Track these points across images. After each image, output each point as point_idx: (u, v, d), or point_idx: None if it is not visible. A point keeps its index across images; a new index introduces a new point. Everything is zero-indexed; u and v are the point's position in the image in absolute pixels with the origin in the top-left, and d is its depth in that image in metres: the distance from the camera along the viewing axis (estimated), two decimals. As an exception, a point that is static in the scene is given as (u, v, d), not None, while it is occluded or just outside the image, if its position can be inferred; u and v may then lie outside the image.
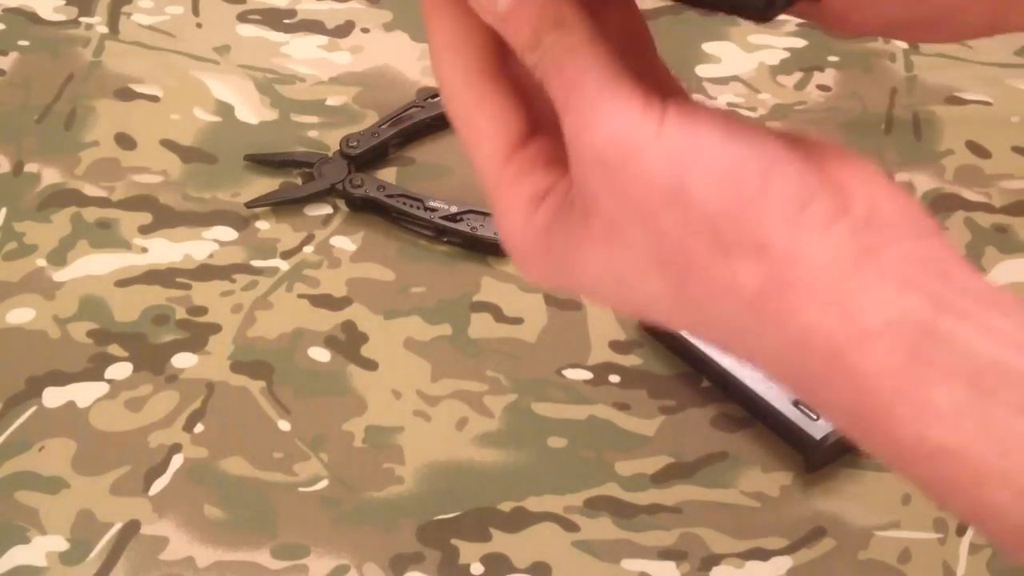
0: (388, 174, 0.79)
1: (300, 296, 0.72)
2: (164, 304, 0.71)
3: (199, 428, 0.66)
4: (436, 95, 0.81)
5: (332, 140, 0.80)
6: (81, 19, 0.88)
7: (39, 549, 0.61)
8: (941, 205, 0.78)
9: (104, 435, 0.66)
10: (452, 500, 0.64)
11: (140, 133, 0.81)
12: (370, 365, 0.69)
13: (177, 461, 0.65)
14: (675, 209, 0.33)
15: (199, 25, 0.88)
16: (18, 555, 0.61)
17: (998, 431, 0.31)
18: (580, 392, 0.68)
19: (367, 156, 0.79)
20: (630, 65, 0.36)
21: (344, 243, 0.75)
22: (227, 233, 0.75)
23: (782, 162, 0.33)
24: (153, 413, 0.67)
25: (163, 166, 0.79)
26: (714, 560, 0.62)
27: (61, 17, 0.88)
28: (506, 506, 0.63)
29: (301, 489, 0.64)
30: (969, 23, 0.37)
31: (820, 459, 0.64)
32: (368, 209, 0.76)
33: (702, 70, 0.85)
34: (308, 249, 0.75)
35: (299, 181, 0.78)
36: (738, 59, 0.86)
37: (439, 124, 0.80)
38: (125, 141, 0.80)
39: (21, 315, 0.71)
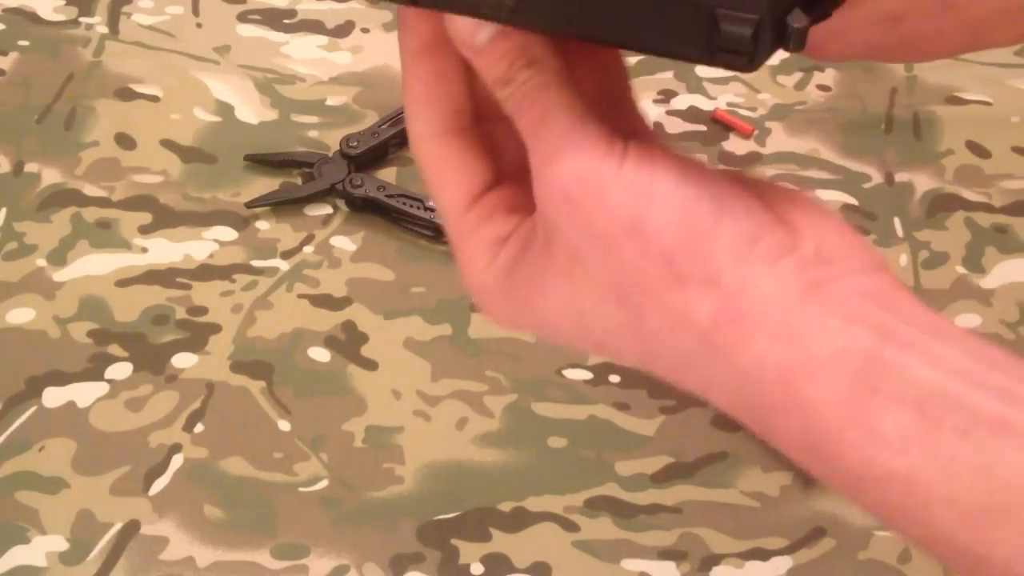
0: (388, 174, 0.79)
1: (300, 296, 0.72)
2: (164, 304, 0.71)
3: (199, 428, 0.66)
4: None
5: (332, 140, 0.80)
6: (81, 19, 0.88)
7: (39, 549, 0.61)
8: (941, 205, 0.78)
9: (104, 435, 0.66)
10: (452, 500, 0.64)
11: (140, 133, 0.81)
12: (370, 365, 0.69)
13: (177, 461, 0.65)
14: (634, 240, 0.35)
15: (199, 25, 0.88)
16: (18, 555, 0.61)
17: (944, 456, 0.32)
18: (580, 392, 0.68)
19: (367, 156, 0.79)
20: (601, 108, 0.38)
21: (344, 243, 0.75)
22: (227, 233, 0.75)
23: (734, 200, 0.35)
24: (153, 413, 0.67)
25: (163, 166, 0.79)
26: (714, 560, 0.62)
27: (61, 17, 0.88)
28: (506, 506, 0.63)
29: (301, 489, 0.64)
30: (945, 44, 0.38)
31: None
32: (368, 209, 0.76)
33: (702, 70, 0.85)
34: (308, 249, 0.75)
35: (299, 181, 0.78)
36: (738, 59, 0.86)
37: (439, 124, 0.80)
38: (125, 141, 0.80)
39: (21, 315, 0.71)
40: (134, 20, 0.88)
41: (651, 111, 0.83)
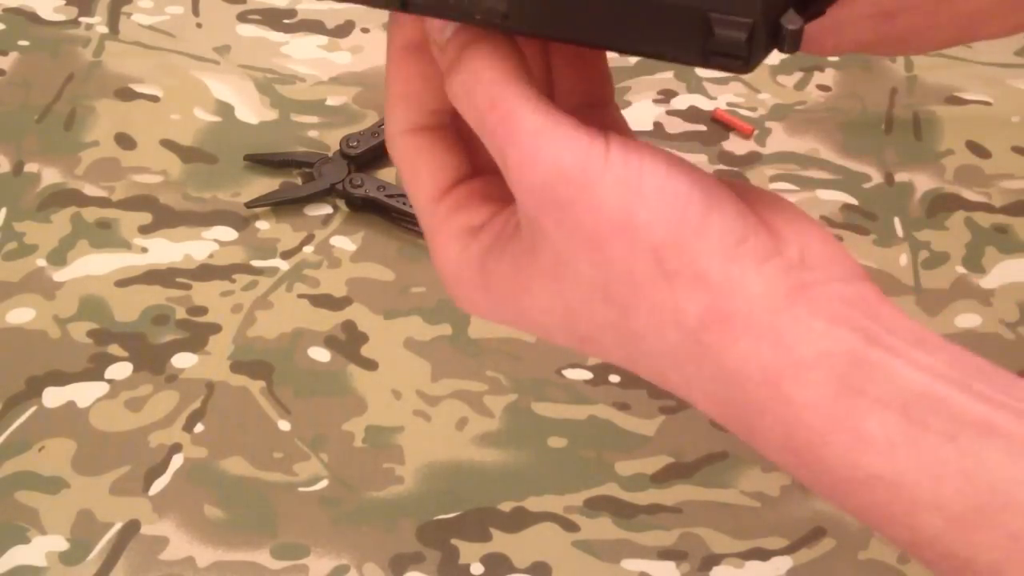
0: (388, 174, 0.79)
1: (300, 296, 0.72)
2: (164, 304, 0.71)
3: (199, 428, 0.66)
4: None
5: (332, 140, 0.80)
6: (81, 19, 0.88)
7: (39, 549, 0.61)
8: (941, 205, 0.78)
9: (104, 435, 0.66)
10: (452, 500, 0.64)
11: (140, 133, 0.81)
12: (370, 365, 0.69)
13: (177, 461, 0.65)
14: (623, 237, 0.34)
15: (199, 25, 0.88)
16: (18, 555, 0.61)
17: (930, 459, 0.32)
18: (580, 392, 0.68)
19: (367, 156, 0.79)
20: (582, 113, 0.38)
21: (344, 243, 0.75)
22: (227, 233, 0.75)
23: (721, 198, 0.35)
24: (153, 413, 0.67)
25: (163, 166, 0.79)
26: (714, 560, 0.62)
27: (61, 17, 0.88)
28: (506, 506, 0.63)
29: (301, 489, 0.64)
30: (939, 37, 0.38)
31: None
32: (368, 209, 0.76)
33: (703, 70, 0.85)
34: (308, 249, 0.75)
35: (299, 181, 0.78)
36: (738, 59, 0.86)
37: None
38: (125, 141, 0.80)
39: (21, 315, 0.71)
40: (134, 20, 0.88)
41: (651, 111, 0.83)
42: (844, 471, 0.33)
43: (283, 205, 0.77)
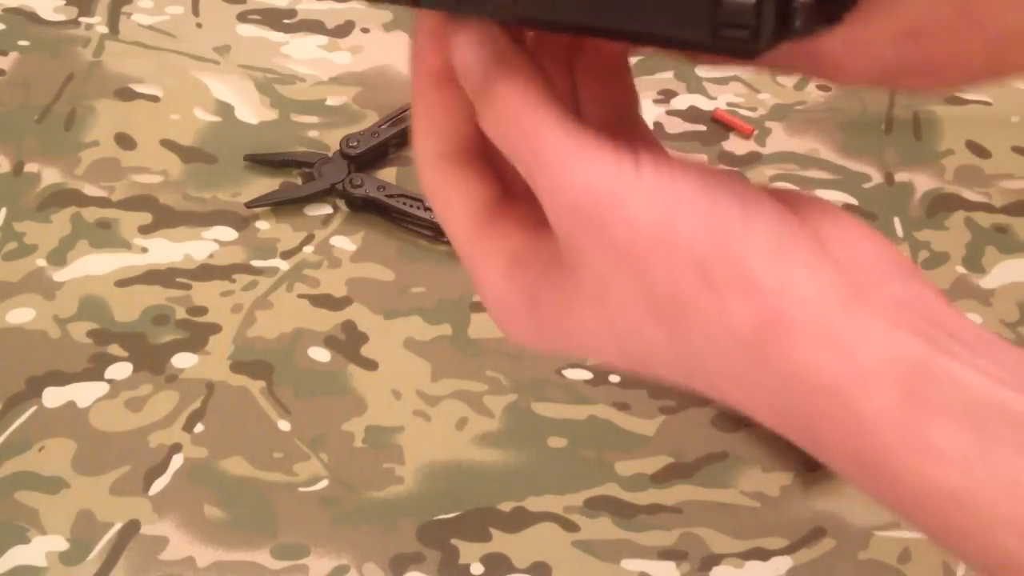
0: (388, 174, 0.79)
1: (300, 296, 0.72)
2: (164, 304, 0.71)
3: (199, 428, 0.66)
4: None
5: (332, 140, 0.80)
6: (81, 19, 0.88)
7: (39, 549, 0.61)
8: (941, 205, 0.78)
9: (104, 435, 0.66)
10: (452, 500, 0.64)
11: (140, 133, 0.81)
12: (370, 365, 0.69)
13: (177, 461, 0.65)
14: (663, 253, 0.33)
15: (199, 25, 0.88)
16: (18, 555, 0.61)
17: (1005, 475, 0.31)
18: (580, 392, 0.68)
19: (367, 156, 0.79)
20: (609, 128, 0.37)
21: (344, 243, 0.75)
22: (227, 233, 0.75)
23: (761, 203, 0.33)
24: (153, 413, 0.67)
25: (163, 166, 0.79)
26: (714, 560, 0.62)
27: (61, 17, 0.88)
28: (506, 506, 0.63)
29: (301, 489, 0.64)
30: (966, 66, 0.37)
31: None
32: (368, 209, 0.76)
33: (702, 70, 0.85)
34: (308, 249, 0.75)
35: (299, 181, 0.78)
36: (738, 59, 0.86)
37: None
38: (125, 141, 0.80)
39: (21, 315, 0.71)
40: (134, 20, 0.88)
41: (651, 111, 0.83)
42: (912, 484, 0.32)
43: (283, 205, 0.77)
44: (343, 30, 0.88)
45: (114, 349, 0.69)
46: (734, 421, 0.67)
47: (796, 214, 0.34)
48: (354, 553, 0.62)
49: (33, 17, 0.88)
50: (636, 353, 0.36)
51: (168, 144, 0.80)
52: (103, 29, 0.87)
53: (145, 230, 0.75)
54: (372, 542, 0.62)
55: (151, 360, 0.69)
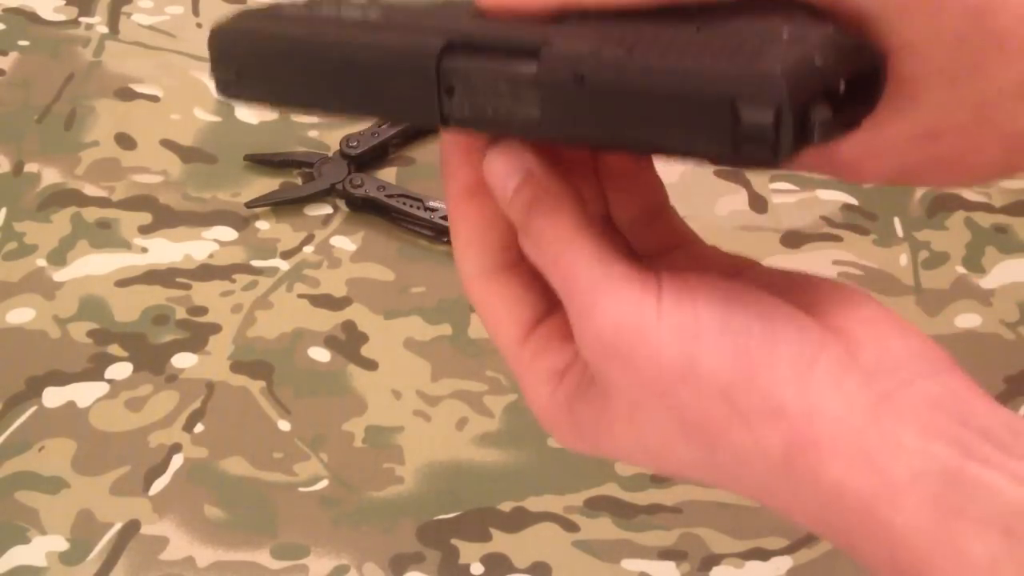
0: (388, 174, 0.79)
1: (300, 296, 0.72)
2: (164, 304, 0.71)
3: (199, 428, 0.66)
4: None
5: (332, 140, 0.80)
6: (81, 19, 0.88)
7: (39, 549, 0.61)
8: (941, 205, 0.78)
9: (104, 435, 0.66)
10: (452, 500, 0.64)
11: (140, 133, 0.81)
12: (370, 365, 0.69)
13: (177, 461, 0.65)
14: (688, 384, 0.34)
15: (199, 25, 0.88)
16: (18, 555, 0.61)
17: None
18: (580, 392, 0.68)
19: (367, 156, 0.79)
20: (638, 225, 0.39)
21: (344, 243, 0.75)
22: (227, 233, 0.75)
23: (783, 322, 0.34)
24: (153, 413, 0.67)
25: (163, 166, 0.79)
26: (714, 560, 0.62)
27: (61, 17, 0.88)
28: (506, 506, 0.63)
29: (301, 489, 0.64)
30: (983, 163, 0.37)
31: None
32: (368, 209, 0.76)
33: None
34: (308, 249, 0.75)
35: (299, 181, 0.78)
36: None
37: (439, 124, 0.80)
38: (125, 141, 0.80)
39: (21, 315, 0.71)
40: (134, 20, 0.88)
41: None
42: None
43: (283, 205, 0.77)
44: (343, 30, 0.88)
45: (114, 349, 0.69)
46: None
47: (823, 315, 0.35)
48: (354, 553, 0.62)
49: (33, 17, 0.88)
50: (671, 466, 0.37)
51: (168, 144, 0.80)
52: (103, 29, 0.87)
53: (145, 230, 0.75)
54: (372, 542, 0.62)
55: (151, 360, 0.69)
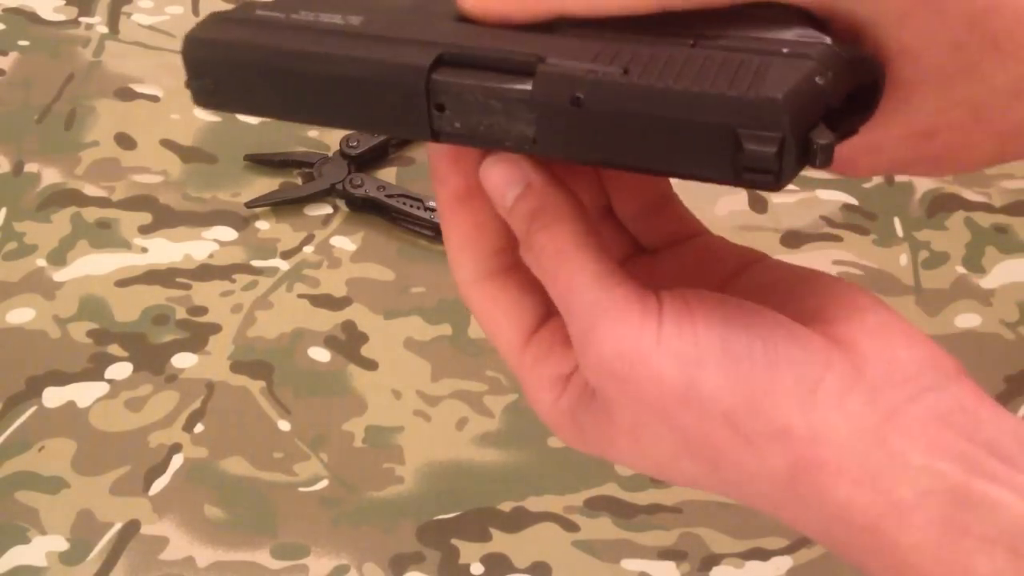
0: (388, 174, 0.79)
1: (300, 296, 0.72)
2: (164, 304, 0.71)
3: (199, 428, 0.66)
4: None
5: (332, 140, 0.80)
6: (81, 19, 0.88)
7: (39, 549, 0.61)
8: (941, 205, 0.78)
9: (104, 435, 0.66)
10: (452, 500, 0.64)
11: (140, 133, 0.81)
12: (370, 365, 0.69)
13: (177, 461, 0.65)
14: (690, 409, 0.34)
15: (199, 25, 0.88)
16: (18, 555, 0.61)
17: None
18: (580, 392, 0.68)
19: (367, 156, 0.79)
20: (644, 217, 0.39)
21: (344, 243, 0.75)
22: (227, 233, 0.75)
23: (786, 343, 0.34)
24: (153, 413, 0.67)
25: (163, 166, 0.79)
26: (714, 560, 0.62)
27: (61, 17, 0.88)
28: (506, 506, 0.63)
29: (301, 489, 0.64)
30: (975, 157, 0.37)
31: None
32: (368, 209, 0.76)
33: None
34: (308, 249, 0.75)
35: (299, 181, 0.78)
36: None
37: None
38: (125, 141, 0.80)
39: (21, 315, 0.71)
40: (134, 20, 0.88)
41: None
42: None
43: (283, 205, 0.77)
44: (343, 30, 0.88)
45: (114, 349, 0.69)
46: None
47: (827, 328, 0.34)
48: (354, 553, 0.62)
49: (33, 17, 0.88)
50: (675, 478, 0.37)
51: (168, 144, 0.80)
52: (103, 29, 0.87)
53: (145, 230, 0.75)
54: (372, 542, 0.62)
55: (151, 360, 0.69)
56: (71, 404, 0.67)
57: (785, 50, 0.31)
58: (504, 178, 0.37)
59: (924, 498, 0.32)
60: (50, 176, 0.78)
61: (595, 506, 0.63)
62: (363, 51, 0.35)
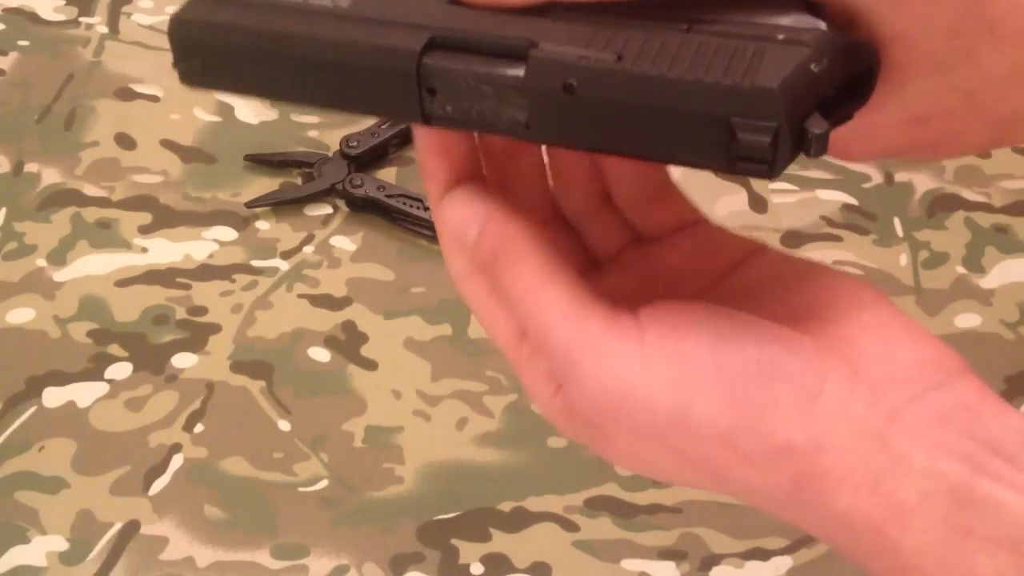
0: (388, 174, 0.79)
1: (300, 296, 0.72)
2: (164, 304, 0.71)
3: (199, 428, 0.66)
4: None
5: (332, 140, 0.80)
6: (81, 19, 0.88)
7: (39, 549, 0.61)
8: (941, 205, 0.78)
9: (104, 435, 0.66)
10: (452, 500, 0.64)
11: (140, 133, 0.81)
12: (370, 365, 0.69)
13: (177, 461, 0.65)
14: (686, 432, 0.33)
15: (199, 25, 0.88)
16: (18, 555, 0.61)
17: None
18: (580, 392, 0.68)
19: (367, 156, 0.79)
20: (642, 204, 0.38)
21: (344, 243, 0.75)
22: (227, 233, 0.75)
23: (782, 355, 0.33)
24: (153, 413, 0.67)
25: (163, 166, 0.79)
26: (714, 560, 0.62)
27: (61, 17, 0.88)
28: (506, 506, 0.63)
29: (301, 489, 0.64)
30: (968, 142, 0.37)
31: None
32: (368, 209, 0.76)
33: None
34: (308, 249, 0.75)
35: (299, 181, 0.78)
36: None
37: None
38: (125, 141, 0.80)
39: (21, 315, 0.71)
40: (134, 20, 0.88)
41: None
42: None
43: (283, 205, 0.77)
44: (343, 30, 0.88)
45: (114, 349, 0.69)
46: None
47: (826, 331, 0.34)
48: (354, 553, 0.62)
49: (33, 17, 0.88)
50: (680, 484, 0.37)
51: (168, 144, 0.80)
52: (103, 29, 0.87)
53: (145, 230, 0.75)
54: (372, 542, 0.62)
55: (151, 360, 0.69)
56: (71, 404, 0.67)
57: (780, 36, 0.31)
58: (461, 218, 0.36)
59: (927, 500, 0.32)
60: (50, 176, 0.78)
61: (595, 506, 0.63)
62: (353, 34, 0.34)
